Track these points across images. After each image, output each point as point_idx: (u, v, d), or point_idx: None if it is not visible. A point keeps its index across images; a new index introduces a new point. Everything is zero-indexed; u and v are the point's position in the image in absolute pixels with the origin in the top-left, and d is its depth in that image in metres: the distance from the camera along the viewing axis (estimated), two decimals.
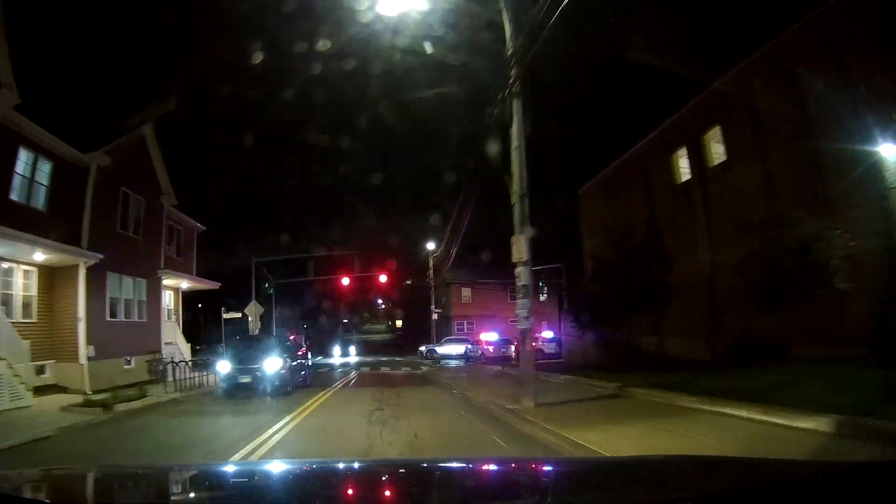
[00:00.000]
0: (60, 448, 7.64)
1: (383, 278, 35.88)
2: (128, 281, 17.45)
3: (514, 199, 8.49)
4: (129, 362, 16.90)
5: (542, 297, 44.07)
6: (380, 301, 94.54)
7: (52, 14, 26.22)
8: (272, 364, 13.47)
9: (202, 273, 24.60)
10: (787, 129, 15.81)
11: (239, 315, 24.90)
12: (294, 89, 17.62)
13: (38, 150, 14.22)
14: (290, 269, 35.36)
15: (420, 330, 41.53)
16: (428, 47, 9.45)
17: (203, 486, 2.28)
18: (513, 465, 3.13)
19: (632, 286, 16.39)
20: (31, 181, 14.09)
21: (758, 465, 2.36)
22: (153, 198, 19.41)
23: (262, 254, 30.15)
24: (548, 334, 34.29)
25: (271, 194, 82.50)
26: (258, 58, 16.26)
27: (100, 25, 36.66)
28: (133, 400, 12.20)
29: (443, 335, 38.95)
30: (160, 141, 19.90)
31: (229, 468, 3.50)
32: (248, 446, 6.88)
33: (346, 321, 79.95)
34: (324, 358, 38.48)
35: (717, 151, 19.77)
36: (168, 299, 22.13)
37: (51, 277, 15.37)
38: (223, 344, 21.68)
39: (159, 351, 17.56)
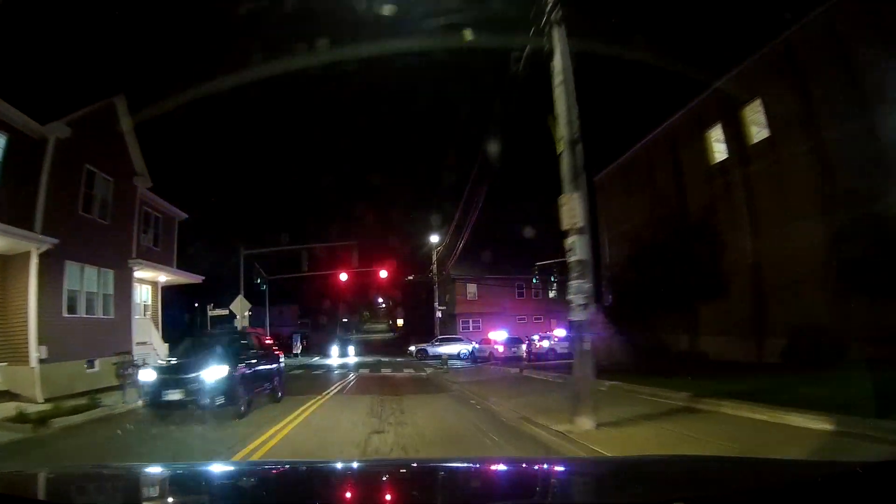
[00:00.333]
0: None
1: (384, 273, 33.61)
2: (91, 271, 15.23)
3: (562, 146, 6.32)
4: (91, 365, 14.71)
5: (552, 294, 42.15)
6: (380, 300, 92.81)
7: None
8: (214, 373, 9.28)
9: (187, 266, 22.40)
10: (841, 99, 13.81)
11: (227, 312, 22.67)
12: (288, 51, 15.31)
13: None
14: (286, 265, 33.04)
15: (423, 329, 39.29)
16: None
17: (203, 486, 2.21)
18: (513, 465, 3.01)
19: (676, 275, 14.24)
20: None
21: (758, 465, 2.42)
22: (124, 178, 17.20)
23: (254, 247, 27.94)
24: (560, 332, 32.22)
25: (265, 182, 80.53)
26: (246, 18, 14.10)
27: None
28: (80, 412, 10.07)
29: (447, 334, 36.76)
30: (144, 126, 17.77)
31: (230, 468, 3.31)
32: None
33: (345, 320, 77.97)
34: (321, 359, 36.29)
35: (758, 127, 17.66)
36: (146, 295, 19.94)
37: (3, 269, 13.34)
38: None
39: (129, 352, 15.35)
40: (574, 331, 5.73)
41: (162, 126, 34.39)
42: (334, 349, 39.11)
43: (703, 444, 5.56)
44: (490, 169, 16.78)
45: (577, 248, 5.72)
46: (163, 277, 19.97)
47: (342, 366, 28.40)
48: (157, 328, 19.96)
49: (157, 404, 9.33)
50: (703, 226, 17.19)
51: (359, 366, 27.77)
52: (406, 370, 23.84)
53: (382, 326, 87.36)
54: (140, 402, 10.85)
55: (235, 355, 10.30)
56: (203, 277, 22.24)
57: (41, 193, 13.60)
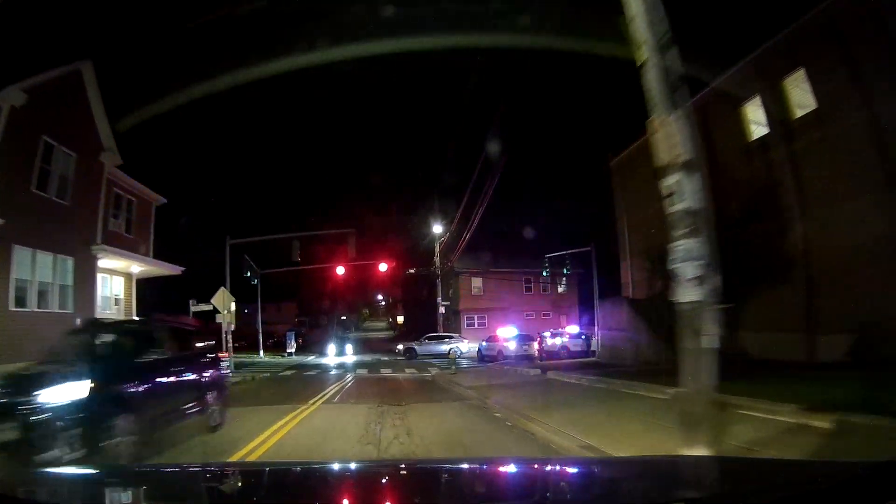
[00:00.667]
0: None
1: (383, 267, 31.63)
2: (45, 258, 13.24)
3: (645, 55, 4.30)
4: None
5: (561, 289, 40.10)
6: (380, 297, 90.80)
7: None
8: (64, 392, 5.28)
9: (169, 257, 20.37)
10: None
11: (210, 307, 20.60)
12: (284, 35, 13.29)
13: None
14: (281, 260, 30.78)
15: (424, 326, 37.22)
16: None
17: (204, 487, 2.18)
18: (514, 465, 2.82)
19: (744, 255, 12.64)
20: None
21: (758, 465, 2.47)
22: (89, 154, 15.19)
23: (243, 237, 25.87)
24: (573, 329, 30.23)
25: (260, 173, 78.33)
26: None
27: None
28: None
29: (450, 331, 34.75)
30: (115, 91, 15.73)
31: (231, 469, 3.25)
32: None
33: (343, 318, 76.01)
34: (317, 358, 34.24)
35: (802, 99, 15.68)
36: (118, 287, 17.91)
37: None
38: None
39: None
40: (681, 320, 3.71)
41: (153, 111, 32.18)
42: (331, 348, 37.09)
43: None
44: (499, 158, 14.79)
45: (683, 192, 3.70)
46: (136, 268, 17.95)
47: (339, 365, 26.34)
48: None
49: None
50: (744, 209, 15.26)
51: (357, 365, 25.71)
52: (408, 370, 21.84)
53: (382, 324, 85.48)
54: None
55: (118, 359, 6.57)
56: (182, 269, 20.19)
57: None
